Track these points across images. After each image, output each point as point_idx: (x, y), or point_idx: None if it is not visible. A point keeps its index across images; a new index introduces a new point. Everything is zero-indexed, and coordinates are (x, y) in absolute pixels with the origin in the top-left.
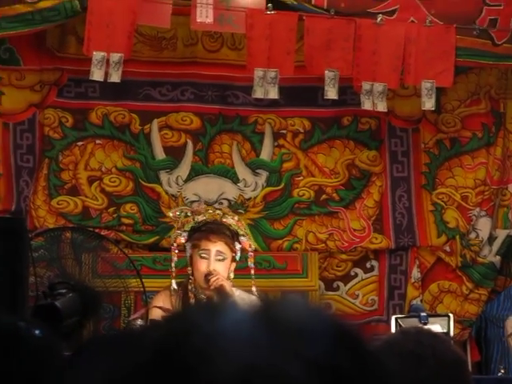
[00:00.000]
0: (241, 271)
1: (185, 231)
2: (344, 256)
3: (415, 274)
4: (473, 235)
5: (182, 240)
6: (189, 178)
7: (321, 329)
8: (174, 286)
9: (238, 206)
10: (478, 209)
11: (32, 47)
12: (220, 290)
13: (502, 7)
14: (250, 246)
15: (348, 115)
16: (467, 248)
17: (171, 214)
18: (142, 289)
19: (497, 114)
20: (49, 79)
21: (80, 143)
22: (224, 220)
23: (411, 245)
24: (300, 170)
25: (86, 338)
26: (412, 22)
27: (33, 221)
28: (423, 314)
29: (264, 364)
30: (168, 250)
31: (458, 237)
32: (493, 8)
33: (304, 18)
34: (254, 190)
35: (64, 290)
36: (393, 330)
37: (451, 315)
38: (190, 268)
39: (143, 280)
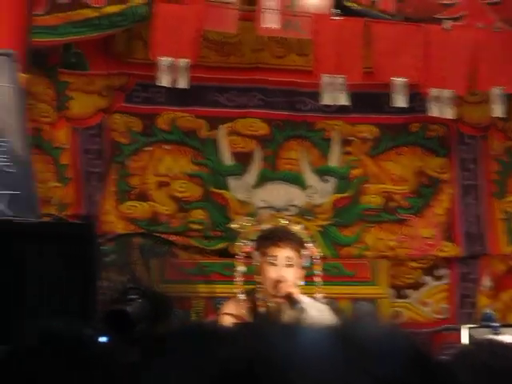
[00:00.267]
0: (307, 278)
1: (250, 240)
2: (414, 264)
3: (486, 282)
4: None
5: (248, 249)
6: (257, 185)
7: (393, 348)
8: (241, 296)
9: (306, 213)
10: None
11: (99, 52)
12: (289, 297)
13: None
14: (317, 253)
15: (416, 122)
16: None
17: (235, 225)
18: (211, 294)
19: None
20: (116, 84)
21: (148, 148)
22: (289, 227)
23: (482, 253)
24: (368, 177)
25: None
26: (479, 27)
27: (102, 225)
28: (495, 323)
29: (339, 382)
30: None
31: None
32: None
33: (370, 24)
34: (322, 197)
35: (135, 296)
36: (464, 339)
37: None
38: (258, 276)
39: (212, 286)
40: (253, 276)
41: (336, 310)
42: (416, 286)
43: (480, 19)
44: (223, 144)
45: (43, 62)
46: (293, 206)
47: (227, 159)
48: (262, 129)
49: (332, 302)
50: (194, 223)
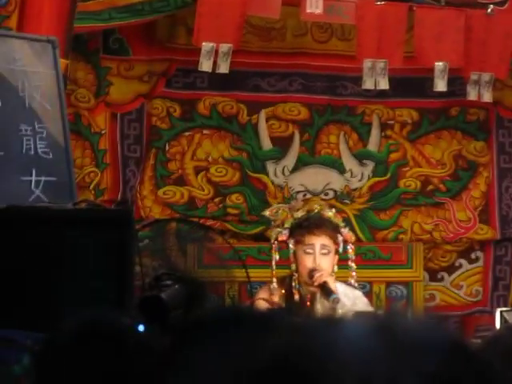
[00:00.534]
0: (342, 262)
1: (285, 228)
2: (449, 247)
3: None
4: None
5: (284, 237)
6: (295, 169)
7: (436, 342)
8: (275, 284)
9: (343, 197)
10: None
11: (142, 38)
12: (324, 286)
13: None
14: (352, 238)
15: (456, 106)
16: None
17: (268, 213)
18: (246, 279)
19: None
20: (157, 70)
21: (187, 133)
22: (323, 213)
23: None
24: (407, 160)
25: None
26: None
27: (139, 211)
28: None
29: (382, 377)
30: None
31: None
32: None
33: (414, 8)
34: (360, 181)
35: (169, 282)
36: (497, 322)
37: None
38: (293, 264)
39: (248, 270)
40: (288, 262)
41: (369, 297)
42: (451, 268)
43: None
44: (263, 129)
45: (84, 48)
46: (330, 189)
47: (266, 144)
48: (302, 113)
49: (366, 286)
50: (231, 208)
